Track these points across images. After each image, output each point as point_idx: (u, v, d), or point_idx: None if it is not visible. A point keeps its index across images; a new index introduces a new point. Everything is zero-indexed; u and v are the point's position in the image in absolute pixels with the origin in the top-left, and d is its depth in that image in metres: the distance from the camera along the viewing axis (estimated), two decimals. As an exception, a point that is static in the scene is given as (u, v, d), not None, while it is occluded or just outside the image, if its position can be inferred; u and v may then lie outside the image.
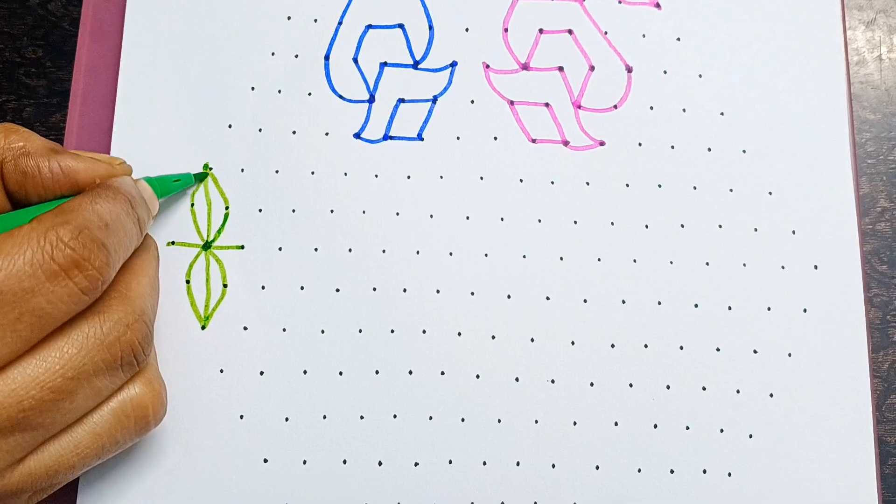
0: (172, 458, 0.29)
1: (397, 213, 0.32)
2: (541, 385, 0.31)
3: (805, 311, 0.32)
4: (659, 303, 0.32)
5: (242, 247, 0.32)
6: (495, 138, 0.33)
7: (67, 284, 0.22)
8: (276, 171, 0.32)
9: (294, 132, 0.33)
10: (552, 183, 0.33)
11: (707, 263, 0.32)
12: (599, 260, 0.32)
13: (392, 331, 0.31)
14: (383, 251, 0.32)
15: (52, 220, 0.22)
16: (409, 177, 0.32)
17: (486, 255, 0.32)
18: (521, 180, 0.33)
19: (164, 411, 0.27)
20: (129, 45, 0.33)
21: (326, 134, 0.33)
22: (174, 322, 0.31)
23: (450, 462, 0.30)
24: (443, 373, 0.31)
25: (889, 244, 0.35)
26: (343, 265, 0.31)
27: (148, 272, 0.27)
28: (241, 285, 0.31)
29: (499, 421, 0.30)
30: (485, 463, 0.30)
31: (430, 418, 0.30)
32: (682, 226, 0.32)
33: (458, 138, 0.33)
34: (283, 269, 0.31)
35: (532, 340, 0.31)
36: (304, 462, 0.30)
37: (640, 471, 0.30)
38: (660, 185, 0.33)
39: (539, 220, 0.32)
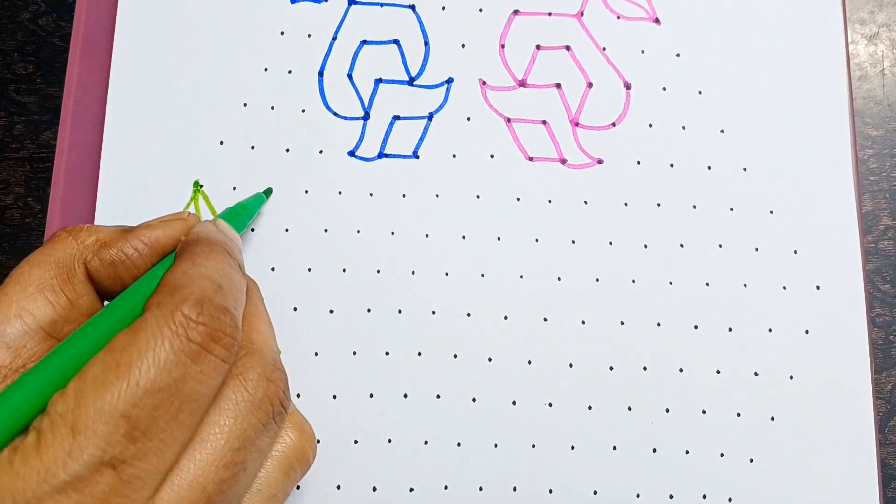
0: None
1: (392, 233, 0.31)
2: (538, 408, 0.30)
3: (807, 332, 0.31)
4: (658, 324, 0.31)
5: (234, 267, 0.31)
6: (492, 156, 0.32)
7: (210, 359, 0.22)
8: (269, 190, 0.32)
9: (287, 149, 0.32)
10: (549, 202, 0.32)
11: (707, 284, 0.32)
12: (597, 280, 0.31)
13: (387, 353, 0.30)
14: (378, 271, 0.31)
15: (171, 301, 0.22)
16: (404, 195, 0.32)
17: (482, 275, 0.31)
18: (518, 199, 0.32)
19: (316, 446, 0.27)
20: (119, 61, 0.33)
21: (320, 151, 0.32)
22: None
23: (445, 487, 0.29)
24: (438, 396, 0.30)
25: (892, 263, 0.34)
26: (337, 285, 0.31)
27: (262, 315, 0.27)
28: (233, 307, 0.30)
29: (495, 445, 0.30)
30: (481, 489, 0.30)
31: (426, 443, 0.30)
32: (682, 245, 0.32)
33: (454, 156, 0.32)
34: (276, 290, 0.31)
35: (529, 363, 0.31)
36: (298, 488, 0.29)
37: (638, 496, 0.30)
38: (659, 204, 0.32)
39: (536, 240, 0.32)
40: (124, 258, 0.25)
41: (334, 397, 0.30)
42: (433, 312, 0.31)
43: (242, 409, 0.23)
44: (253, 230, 0.31)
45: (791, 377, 0.31)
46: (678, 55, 0.34)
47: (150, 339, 0.21)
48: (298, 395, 0.30)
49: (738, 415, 0.31)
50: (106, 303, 0.26)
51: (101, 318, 0.23)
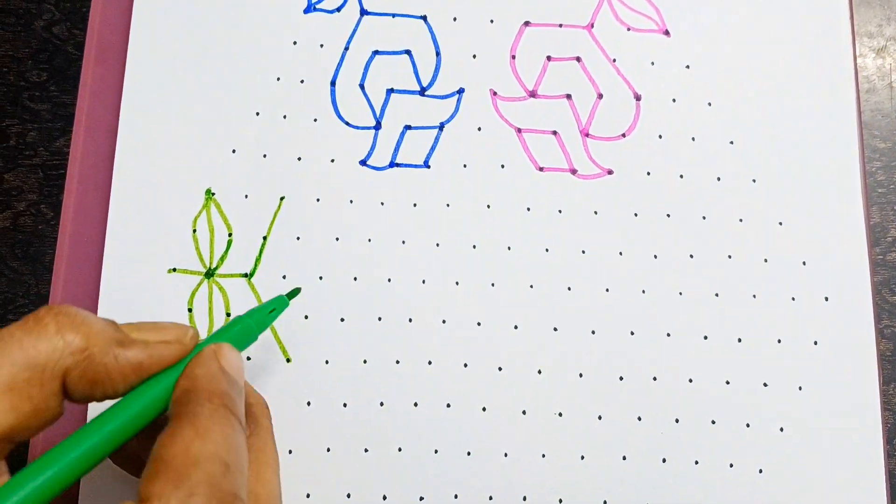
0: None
1: (403, 242, 0.32)
2: (548, 418, 0.30)
3: (815, 343, 0.31)
4: (668, 334, 0.31)
5: (246, 275, 0.31)
6: (502, 166, 0.33)
7: None
8: (281, 198, 0.32)
9: (299, 158, 0.32)
10: (560, 212, 0.32)
11: (717, 294, 0.32)
12: (607, 290, 0.32)
13: (397, 361, 0.31)
14: (389, 280, 0.31)
15: (177, 495, 0.19)
16: (415, 205, 0.32)
17: (492, 284, 0.31)
18: (529, 209, 0.32)
19: None
20: (132, 69, 0.33)
21: (332, 161, 0.32)
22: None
23: (455, 496, 0.30)
24: (448, 405, 0.30)
25: (900, 275, 0.34)
26: (348, 294, 0.31)
27: (269, 459, 0.25)
28: (245, 315, 0.31)
29: (505, 455, 0.30)
30: (490, 498, 0.30)
31: (436, 452, 0.30)
32: (692, 256, 0.32)
33: (464, 166, 0.32)
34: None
35: (539, 373, 0.31)
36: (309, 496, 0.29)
37: (648, 506, 0.30)
38: (668, 215, 0.32)
39: (546, 250, 0.32)
40: (106, 378, 0.22)
41: (345, 405, 0.30)
42: (443, 321, 0.31)
43: None
44: (265, 238, 0.32)
45: (800, 388, 0.31)
46: (688, 67, 0.34)
47: None
48: (309, 403, 0.30)
49: (748, 425, 0.31)
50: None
51: (89, 434, 0.21)
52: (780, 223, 0.32)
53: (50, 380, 0.21)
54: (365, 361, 0.31)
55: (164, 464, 0.20)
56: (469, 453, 0.30)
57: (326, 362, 0.30)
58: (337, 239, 0.32)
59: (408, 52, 0.34)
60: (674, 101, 0.33)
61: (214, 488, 0.20)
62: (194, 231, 0.32)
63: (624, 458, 0.30)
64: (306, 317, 0.31)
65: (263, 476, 0.24)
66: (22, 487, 0.20)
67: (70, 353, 0.21)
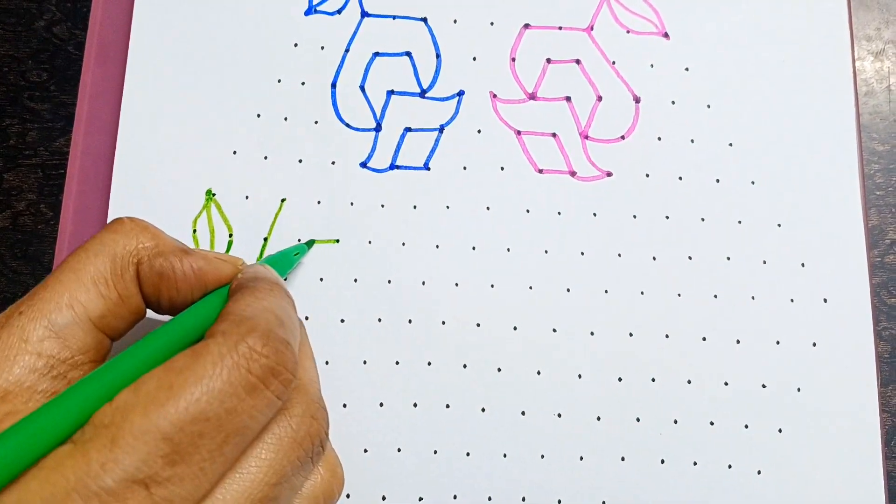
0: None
1: (403, 243, 0.32)
2: (547, 419, 0.30)
3: (814, 344, 0.32)
4: (667, 336, 0.31)
5: (246, 276, 0.31)
6: (502, 168, 0.33)
7: (266, 394, 0.21)
8: (282, 200, 0.32)
9: (300, 160, 0.32)
10: (559, 213, 0.32)
11: (715, 296, 0.32)
12: (606, 292, 0.32)
13: (397, 362, 0.31)
14: (389, 281, 0.31)
15: (237, 330, 0.21)
16: (415, 206, 0.32)
17: (492, 285, 0.31)
18: (528, 211, 0.32)
19: (343, 488, 0.26)
20: (133, 70, 0.33)
21: (332, 162, 0.32)
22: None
23: (454, 497, 0.30)
24: (448, 406, 0.30)
25: (898, 277, 0.34)
26: (348, 295, 0.31)
27: (308, 353, 0.27)
28: (245, 315, 0.31)
29: (504, 455, 0.30)
30: (490, 498, 0.30)
31: (435, 452, 0.30)
32: (690, 258, 0.32)
33: (464, 168, 0.33)
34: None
35: (538, 373, 0.31)
36: None
37: (647, 507, 0.30)
38: (668, 217, 0.32)
39: (546, 251, 0.32)
40: (171, 274, 0.25)
41: (344, 406, 0.30)
42: (443, 322, 0.31)
43: (285, 444, 0.22)
44: (265, 240, 0.32)
45: (798, 389, 0.31)
46: (687, 69, 0.34)
47: (210, 365, 0.20)
48: (309, 404, 0.30)
49: (746, 426, 0.31)
50: (164, 318, 0.26)
51: (157, 336, 0.23)
52: (779, 225, 0.33)
53: (126, 267, 0.24)
54: (364, 362, 0.31)
55: (227, 314, 0.22)
56: (468, 454, 0.30)
57: (326, 363, 0.31)
58: (337, 241, 0.32)
59: (408, 54, 0.34)
60: (673, 103, 0.34)
61: (270, 331, 0.22)
62: (194, 231, 0.32)
63: (623, 458, 0.30)
64: (307, 317, 0.31)
65: (304, 363, 0.26)
66: (95, 381, 0.21)
67: (143, 247, 0.25)
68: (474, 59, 0.34)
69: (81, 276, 0.23)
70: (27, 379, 0.21)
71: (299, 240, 0.32)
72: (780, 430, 0.31)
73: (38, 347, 0.22)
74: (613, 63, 0.34)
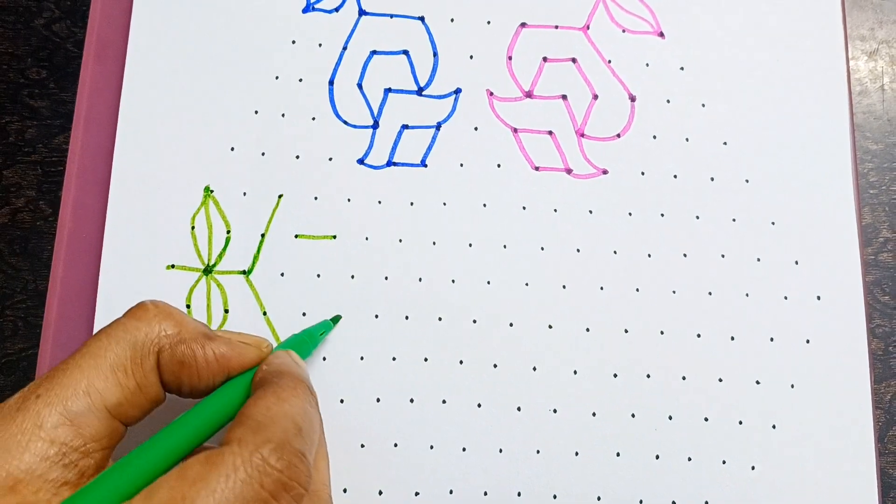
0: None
1: (400, 240, 0.32)
2: (542, 414, 0.31)
3: (808, 341, 0.32)
4: (661, 332, 0.32)
5: (244, 272, 0.31)
6: (499, 165, 0.33)
7: None
8: (280, 196, 0.32)
9: (297, 157, 0.33)
10: (555, 211, 0.33)
11: (710, 293, 0.32)
12: (602, 289, 0.32)
13: (394, 358, 0.31)
14: (386, 278, 0.31)
15: (253, 439, 0.21)
16: (412, 203, 0.32)
17: (488, 282, 0.32)
18: (524, 208, 0.32)
19: None
20: (132, 68, 0.33)
21: (330, 159, 0.33)
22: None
23: (451, 492, 0.30)
24: (444, 401, 0.30)
25: (891, 275, 0.35)
26: (346, 291, 0.31)
27: (323, 453, 0.27)
28: (243, 311, 0.31)
29: (500, 451, 0.30)
30: (486, 493, 0.30)
31: (431, 447, 0.30)
32: (685, 255, 0.32)
33: (461, 165, 0.33)
34: (285, 296, 0.31)
35: (534, 369, 0.31)
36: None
37: (641, 502, 0.30)
38: (662, 214, 0.33)
39: (542, 248, 0.32)
40: (193, 362, 0.25)
41: (341, 402, 0.30)
42: (440, 319, 0.31)
43: None
44: (263, 235, 0.32)
45: (792, 386, 0.31)
46: (682, 68, 0.34)
47: (222, 477, 0.20)
48: (306, 399, 0.30)
49: (740, 422, 0.31)
50: (170, 398, 0.26)
51: (176, 429, 0.23)
52: (773, 223, 0.33)
53: (146, 356, 0.24)
54: (362, 358, 0.31)
55: (246, 417, 0.22)
56: (464, 449, 0.30)
57: (324, 359, 0.31)
58: (334, 237, 0.32)
59: (405, 52, 0.34)
60: (668, 101, 0.34)
61: (286, 442, 0.22)
62: (193, 228, 0.32)
63: (618, 454, 0.30)
64: (304, 314, 0.31)
65: (318, 464, 0.26)
66: (107, 483, 0.21)
67: (165, 335, 0.24)
68: (471, 57, 0.34)
69: (100, 363, 0.23)
70: (38, 467, 0.21)
71: (332, 317, 0.31)
72: (773, 427, 0.31)
73: (51, 434, 0.21)
74: (609, 62, 0.34)
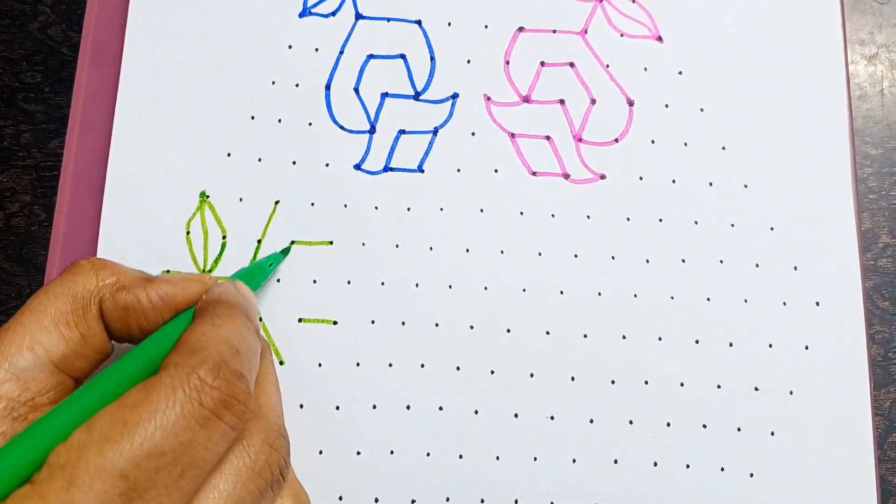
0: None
1: (397, 246, 0.32)
2: (540, 421, 0.30)
3: (806, 347, 0.32)
4: (660, 338, 0.31)
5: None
6: (496, 171, 0.33)
7: (220, 426, 0.21)
8: (276, 202, 0.32)
9: (294, 162, 0.32)
10: (552, 216, 0.32)
11: (708, 299, 0.32)
12: (600, 294, 0.32)
13: (390, 364, 0.31)
14: (382, 283, 0.31)
15: (189, 361, 0.22)
16: (409, 209, 0.32)
17: (485, 287, 0.32)
18: (522, 213, 0.32)
19: None
20: (127, 72, 0.33)
21: (326, 164, 0.32)
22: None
23: (447, 499, 0.30)
24: (441, 408, 0.30)
25: (891, 280, 0.34)
26: (342, 297, 0.31)
27: (272, 378, 0.27)
28: (238, 317, 0.31)
29: (497, 458, 0.30)
30: (482, 501, 0.30)
31: (428, 454, 0.30)
32: (683, 261, 0.32)
33: (458, 170, 0.33)
34: (281, 302, 0.31)
35: (532, 376, 0.31)
36: None
37: (639, 510, 0.30)
38: (661, 220, 0.33)
39: (539, 254, 0.32)
40: (137, 305, 0.25)
41: (337, 408, 0.30)
42: (436, 324, 0.31)
43: (243, 474, 0.22)
44: (259, 241, 0.32)
45: (791, 392, 0.31)
46: (680, 73, 0.34)
47: (162, 399, 0.20)
48: (302, 406, 0.30)
49: (739, 429, 0.31)
50: (117, 346, 0.26)
51: (113, 371, 0.23)
52: (772, 228, 0.33)
53: (88, 308, 0.24)
54: (358, 364, 0.31)
55: (182, 343, 0.23)
56: (461, 456, 0.30)
57: (319, 365, 0.31)
58: (331, 242, 0.32)
59: (402, 56, 0.34)
60: (666, 106, 0.34)
61: (223, 363, 0.22)
62: (188, 233, 0.32)
63: (615, 461, 0.30)
64: (300, 320, 0.31)
65: (265, 389, 0.26)
66: (49, 423, 0.21)
67: (104, 284, 0.25)
68: (468, 61, 0.34)
69: (42, 318, 0.23)
70: None
71: (292, 241, 0.31)
72: (772, 433, 0.31)
73: None
74: (607, 66, 0.34)
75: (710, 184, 0.33)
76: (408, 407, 0.30)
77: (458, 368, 0.31)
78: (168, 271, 0.31)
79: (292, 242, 0.31)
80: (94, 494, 0.19)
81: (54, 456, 0.20)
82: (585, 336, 0.31)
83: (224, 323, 0.24)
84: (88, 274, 0.25)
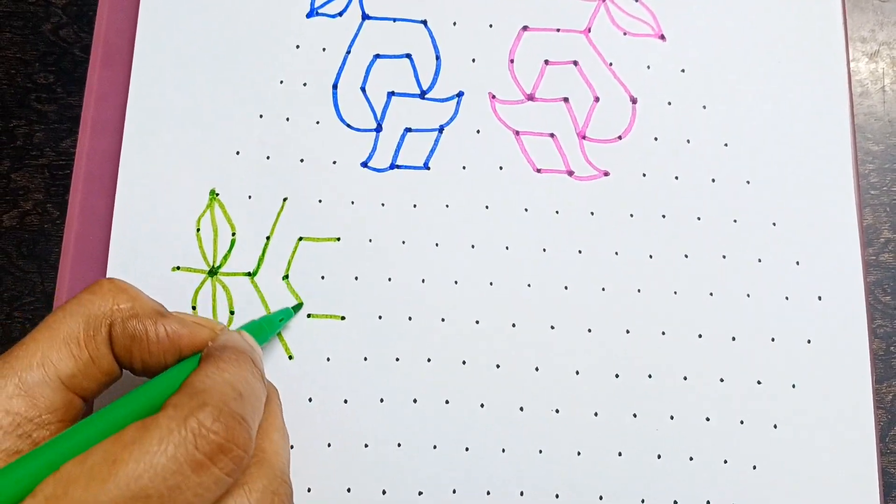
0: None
1: (403, 242, 0.32)
2: (545, 415, 0.31)
3: (809, 341, 0.32)
4: (663, 333, 0.32)
5: (249, 273, 0.32)
6: (501, 168, 0.33)
7: (212, 472, 0.21)
8: (284, 199, 0.32)
9: (301, 160, 0.33)
10: (557, 212, 0.33)
11: (711, 294, 0.32)
12: (604, 290, 0.32)
13: (397, 359, 0.31)
14: (389, 279, 0.32)
15: (189, 403, 0.21)
16: (415, 205, 0.33)
17: (490, 283, 0.32)
18: (527, 210, 0.33)
19: None
20: (138, 72, 0.33)
21: (334, 162, 0.33)
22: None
23: (454, 491, 0.30)
24: (447, 401, 0.31)
25: (893, 275, 0.35)
26: (349, 293, 0.32)
27: (278, 424, 0.26)
28: (248, 313, 0.31)
29: (503, 451, 0.30)
30: (488, 493, 0.30)
31: (435, 447, 0.30)
32: (686, 256, 0.33)
33: (464, 168, 0.33)
34: (289, 297, 0.31)
35: (536, 370, 0.31)
36: None
37: (643, 501, 0.30)
38: (664, 216, 0.33)
39: (544, 250, 0.32)
40: (143, 337, 0.25)
41: (345, 402, 0.31)
42: (443, 320, 0.31)
43: None
44: (268, 238, 0.32)
45: (793, 386, 0.31)
46: (683, 71, 0.34)
47: (156, 440, 0.20)
48: (310, 400, 0.31)
49: (742, 422, 0.31)
50: (126, 373, 0.26)
51: (118, 406, 0.23)
52: (774, 224, 0.33)
53: (98, 329, 0.24)
54: (365, 359, 0.31)
55: (185, 385, 0.22)
56: (467, 449, 0.30)
57: (328, 359, 0.31)
58: (338, 239, 0.32)
59: (408, 55, 0.34)
60: (669, 104, 0.34)
61: (224, 405, 0.22)
62: (198, 230, 0.32)
63: (620, 454, 0.31)
64: (308, 315, 0.31)
65: (270, 435, 0.26)
66: (47, 451, 0.21)
67: (118, 309, 0.25)
68: (473, 60, 0.34)
69: (55, 336, 0.24)
70: None
71: (296, 303, 0.31)
72: (775, 426, 0.31)
73: (6, 404, 0.22)
74: (611, 64, 0.34)
75: (713, 180, 0.33)
76: (414, 400, 0.31)
77: (464, 363, 0.31)
78: (178, 268, 0.32)
79: (300, 304, 0.31)
80: None
81: (42, 486, 0.20)
82: (589, 331, 0.32)
83: (229, 367, 0.24)
84: (106, 296, 0.25)
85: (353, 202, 0.33)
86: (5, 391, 0.22)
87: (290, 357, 0.31)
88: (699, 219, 0.33)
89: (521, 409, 0.31)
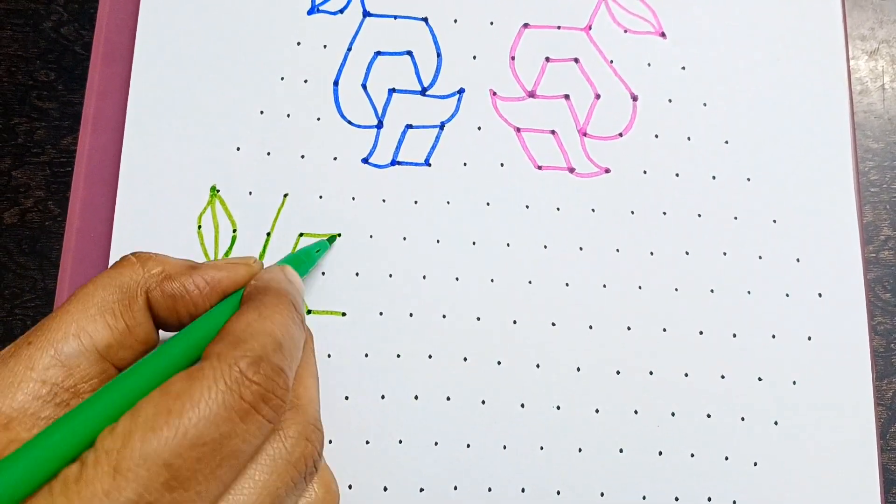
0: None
1: (404, 238, 0.32)
2: (546, 411, 0.31)
3: (809, 338, 0.32)
4: (664, 330, 0.32)
5: (250, 270, 0.32)
6: (502, 165, 0.33)
7: (257, 419, 0.22)
8: (285, 195, 0.32)
9: (302, 156, 0.33)
10: (558, 209, 0.33)
11: (712, 291, 0.32)
12: (604, 287, 0.32)
13: (398, 355, 0.31)
14: (390, 276, 0.32)
15: (232, 353, 0.22)
16: (416, 202, 0.33)
17: (491, 280, 0.32)
18: (527, 206, 0.33)
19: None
20: (139, 69, 0.33)
21: (335, 158, 0.33)
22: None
23: (455, 488, 0.30)
24: (448, 398, 0.31)
25: (893, 272, 0.35)
26: (350, 289, 0.32)
27: (312, 369, 0.27)
28: (249, 309, 0.31)
29: (504, 447, 0.30)
30: (490, 489, 0.30)
31: (436, 444, 0.30)
32: (687, 253, 0.33)
33: (465, 164, 0.33)
34: (290, 293, 0.31)
35: (538, 366, 0.31)
36: None
37: (644, 498, 0.30)
38: (665, 213, 0.33)
39: (545, 247, 0.32)
40: (185, 293, 0.25)
41: (346, 398, 0.31)
42: (444, 316, 0.31)
43: (279, 465, 0.23)
44: (268, 234, 0.32)
45: (794, 383, 0.32)
46: (683, 68, 0.35)
47: (205, 390, 0.21)
48: (311, 396, 0.30)
49: (742, 419, 0.31)
50: (163, 335, 0.26)
51: (158, 356, 0.23)
52: (775, 221, 0.33)
53: (135, 299, 0.25)
54: (366, 355, 0.31)
55: (227, 332, 0.23)
56: (468, 445, 0.30)
57: (329, 356, 0.31)
58: (339, 235, 0.32)
59: (409, 52, 0.34)
60: (670, 101, 0.34)
61: (264, 357, 0.22)
62: (199, 227, 0.32)
63: (621, 450, 0.31)
64: (309, 311, 0.31)
65: (305, 381, 0.26)
66: (93, 407, 0.21)
67: (150, 275, 0.25)
68: (474, 57, 0.34)
69: (89, 307, 0.24)
70: (31, 406, 0.22)
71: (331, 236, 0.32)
72: (775, 423, 0.31)
73: (43, 375, 0.22)
74: (611, 62, 0.35)
75: (714, 177, 0.33)
76: (416, 397, 0.31)
77: (465, 359, 0.31)
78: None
79: (338, 235, 0.32)
80: (138, 482, 0.19)
81: (101, 440, 0.20)
82: (591, 327, 0.32)
83: (270, 314, 0.24)
84: (135, 266, 0.25)
85: (353, 198, 0.33)
86: (42, 362, 0.22)
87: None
88: (700, 216, 0.33)
89: (522, 405, 0.31)
